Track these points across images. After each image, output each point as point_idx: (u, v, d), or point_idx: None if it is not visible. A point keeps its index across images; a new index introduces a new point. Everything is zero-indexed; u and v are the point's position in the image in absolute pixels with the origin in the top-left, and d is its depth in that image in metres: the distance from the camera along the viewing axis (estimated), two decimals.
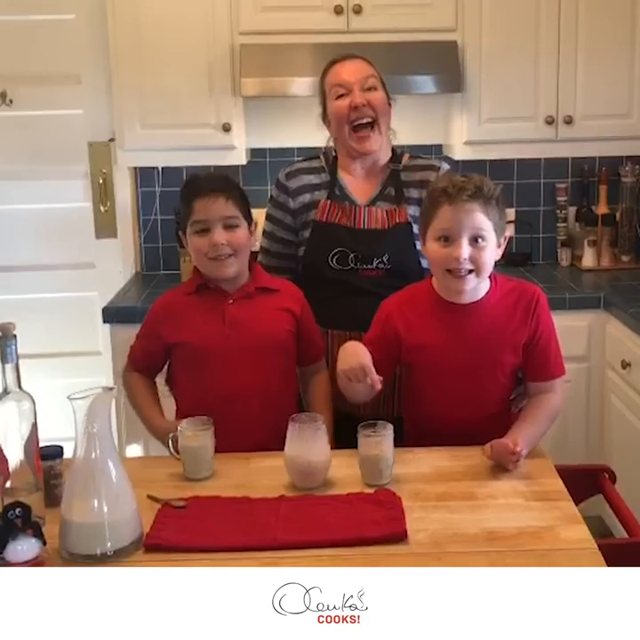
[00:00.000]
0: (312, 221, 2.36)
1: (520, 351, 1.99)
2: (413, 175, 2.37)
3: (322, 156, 2.44)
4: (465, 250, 1.87)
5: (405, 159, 2.40)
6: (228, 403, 2.03)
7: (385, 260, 2.29)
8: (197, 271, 2.15)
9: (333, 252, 2.30)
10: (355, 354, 1.89)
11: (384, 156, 2.38)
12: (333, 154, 2.42)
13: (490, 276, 2.00)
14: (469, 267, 1.89)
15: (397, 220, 2.32)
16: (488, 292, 2.00)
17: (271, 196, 2.46)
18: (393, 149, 2.41)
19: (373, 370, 1.86)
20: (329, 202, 2.35)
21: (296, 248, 2.40)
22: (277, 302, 2.14)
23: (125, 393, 2.22)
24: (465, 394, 1.99)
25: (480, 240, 1.89)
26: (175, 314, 2.13)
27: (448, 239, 1.90)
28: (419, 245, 2.23)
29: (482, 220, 1.88)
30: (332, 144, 2.42)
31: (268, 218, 2.45)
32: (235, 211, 2.07)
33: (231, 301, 2.10)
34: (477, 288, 1.97)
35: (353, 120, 2.29)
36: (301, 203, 2.38)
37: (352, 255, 2.29)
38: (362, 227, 2.33)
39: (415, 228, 2.28)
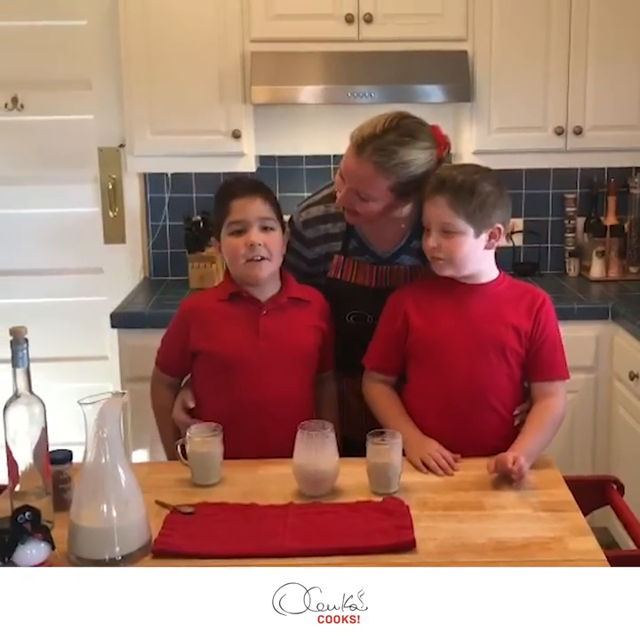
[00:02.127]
0: (326, 275, 2.23)
1: (523, 340, 2.00)
2: None
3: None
4: (432, 240, 1.96)
5: None
6: (254, 412, 2.03)
7: None
8: (229, 278, 2.13)
9: (349, 313, 2.21)
10: (426, 442, 1.96)
11: (402, 212, 2.14)
12: None
13: (500, 270, 2.06)
14: (440, 256, 1.97)
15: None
16: (495, 279, 2.04)
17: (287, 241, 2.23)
18: None
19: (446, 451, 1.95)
20: (342, 258, 2.20)
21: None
22: (309, 316, 2.13)
23: (151, 397, 2.23)
24: (472, 373, 1.99)
25: (448, 231, 1.94)
26: (206, 319, 2.11)
27: (428, 230, 1.99)
28: None
29: (446, 213, 1.93)
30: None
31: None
32: (271, 213, 2.07)
33: (265, 312, 2.08)
34: (479, 274, 2.01)
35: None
36: (318, 254, 2.24)
37: (370, 316, 2.16)
38: (384, 285, 2.17)
39: None
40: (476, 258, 1.98)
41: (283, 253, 2.12)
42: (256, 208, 2.05)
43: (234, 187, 2.11)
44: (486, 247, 1.99)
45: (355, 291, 2.20)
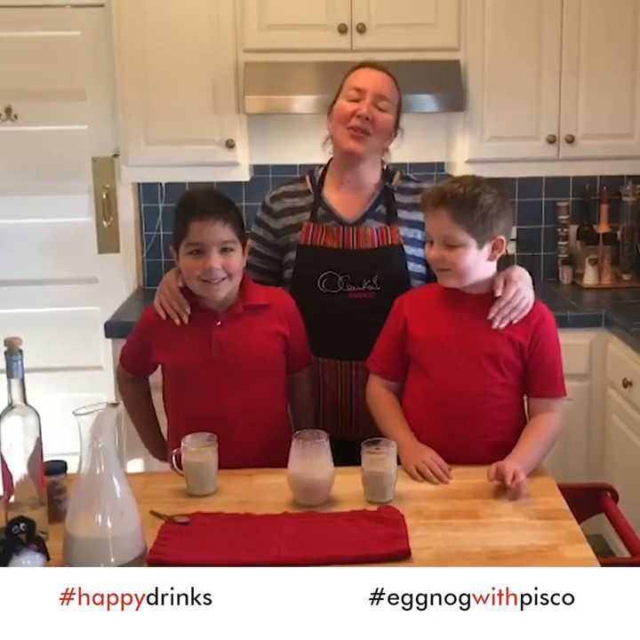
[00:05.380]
0: (297, 244, 2.31)
1: (519, 353, 2.00)
2: (406, 198, 2.32)
3: (307, 178, 2.39)
4: (435, 252, 2.00)
5: (397, 178, 2.35)
6: (216, 425, 1.97)
7: (375, 281, 2.24)
8: (186, 289, 2.11)
9: (322, 276, 2.25)
10: (421, 450, 1.97)
11: (372, 175, 2.33)
12: (320, 174, 2.37)
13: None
14: (444, 267, 1.99)
15: (390, 242, 2.27)
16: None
17: (256, 217, 2.42)
18: (385, 167, 2.37)
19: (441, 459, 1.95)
20: (312, 224, 2.30)
21: (277, 266, 2.36)
22: (267, 322, 2.11)
23: (120, 397, 2.27)
24: (464, 381, 1.99)
25: (450, 244, 1.97)
26: (164, 332, 2.11)
27: (431, 242, 2.03)
28: (410, 267, 2.27)
29: (449, 226, 1.96)
30: (328, 149, 2.36)
31: (251, 235, 2.36)
32: (231, 235, 2.04)
33: (219, 323, 2.07)
34: (480, 284, 2.02)
35: (351, 126, 2.23)
36: (284, 224, 2.34)
37: (341, 278, 2.25)
38: (351, 247, 2.27)
39: (407, 250, 2.27)
40: (479, 269, 2.00)
41: (243, 268, 2.10)
42: (216, 232, 2.01)
43: (195, 206, 2.04)
44: (489, 258, 2.01)
45: (324, 252, 2.28)
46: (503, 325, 1.99)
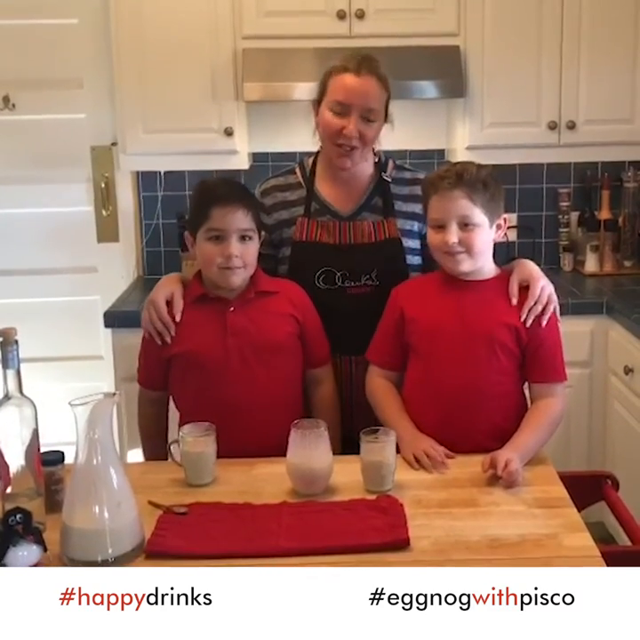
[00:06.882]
0: (291, 240, 2.28)
1: (517, 338, 2.00)
2: (402, 189, 2.29)
3: (297, 170, 2.34)
4: (453, 235, 1.97)
5: (391, 168, 2.31)
6: (233, 411, 2.01)
7: (373, 276, 2.22)
8: (197, 281, 2.12)
9: (319, 272, 2.23)
10: (420, 439, 1.96)
11: (365, 167, 2.28)
12: (311, 165, 2.33)
13: (500, 268, 2.08)
14: (460, 249, 1.99)
15: (387, 235, 2.25)
16: (493, 277, 2.06)
17: None
18: (377, 155, 2.32)
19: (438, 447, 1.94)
20: (307, 219, 2.26)
21: (274, 262, 2.32)
22: (277, 306, 2.12)
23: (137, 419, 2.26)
24: (461, 367, 1.99)
25: (468, 224, 1.97)
26: (176, 324, 2.10)
27: (440, 226, 2.00)
28: (409, 260, 2.26)
29: (466, 206, 1.97)
30: (316, 141, 2.31)
31: None
32: (251, 223, 2.05)
33: (232, 308, 2.08)
34: (482, 270, 2.04)
35: (338, 143, 2.18)
36: (277, 219, 2.29)
37: (339, 274, 2.22)
38: (347, 242, 2.24)
39: (404, 242, 2.25)
40: (488, 249, 2.03)
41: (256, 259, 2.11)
42: (237, 219, 2.03)
43: (216, 192, 2.07)
44: (495, 238, 2.03)
45: (320, 249, 2.24)
46: (544, 322, 2.01)
